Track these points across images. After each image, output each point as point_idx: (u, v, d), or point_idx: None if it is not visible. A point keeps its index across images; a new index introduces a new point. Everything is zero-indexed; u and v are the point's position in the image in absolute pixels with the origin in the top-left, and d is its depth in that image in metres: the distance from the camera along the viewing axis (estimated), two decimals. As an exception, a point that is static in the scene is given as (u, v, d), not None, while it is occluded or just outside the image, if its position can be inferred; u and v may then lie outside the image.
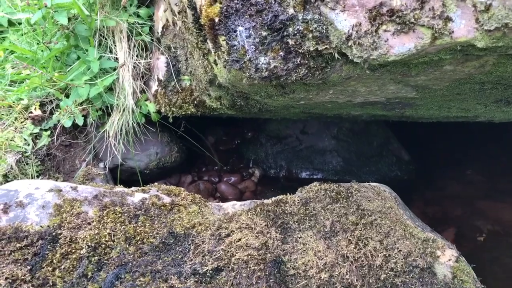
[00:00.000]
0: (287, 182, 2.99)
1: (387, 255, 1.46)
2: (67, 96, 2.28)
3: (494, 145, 3.19)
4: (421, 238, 1.52)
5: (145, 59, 2.39)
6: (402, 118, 2.22)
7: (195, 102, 2.14)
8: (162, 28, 2.26)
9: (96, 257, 1.44)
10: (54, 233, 1.46)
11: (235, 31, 1.19)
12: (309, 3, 1.12)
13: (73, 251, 1.44)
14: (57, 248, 1.43)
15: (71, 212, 1.52)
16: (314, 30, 1.15)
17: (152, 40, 2.37)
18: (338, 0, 1.08)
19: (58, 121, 2.26)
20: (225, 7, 1.19)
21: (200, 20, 1.28)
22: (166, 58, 2.26)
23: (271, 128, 3.16)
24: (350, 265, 1.44)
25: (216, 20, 1.21)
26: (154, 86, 2.34)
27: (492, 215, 2.60)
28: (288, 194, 1.68)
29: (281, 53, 1.18)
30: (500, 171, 2.93)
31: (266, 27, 1.16)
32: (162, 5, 2.24)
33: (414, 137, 3.16)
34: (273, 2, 1.15)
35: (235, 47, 1.20)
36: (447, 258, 1.49)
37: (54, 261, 1.41)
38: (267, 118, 2.67)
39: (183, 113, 2.23)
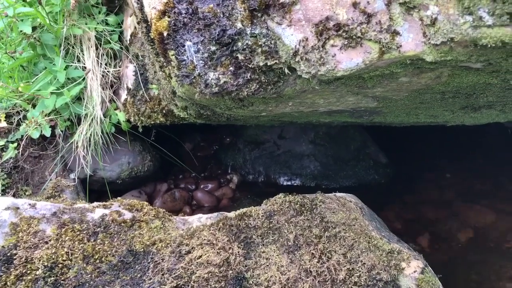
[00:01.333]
0: (266, 188, 2.96)
1: (350, 268, 1.43)
2: (34, 106, 2.23)
3: (471, 147, 3.18)
4: (385, 250, 1.50)
5: (114, 67, 2.34)
6: (373, 124, 2.19)
7: (164, 111, 2.11)
8: (131, 36, 2.21)
9: (52, 278, 1.40)
10: (9, 254, 1.42)
11: (183, 46, 1.16)
12: (256, 17, 1.09)
13: (29, 272, 1.40)
14: (11, 270, 1.39)
15: (28, 231, 1.48)
16: (263, 45, 1.12)
17: (121, 48, 2.32)
18: (284, 14, 1.05)
19: (26, 132, 2.21)
20: (173, 21, 1.15)
21: (150, 34, 1.24)
22: (135, 66, 2.22)
23: (249, 134, 3.13)
24: (313, 280, 1.41)
25: (165, 34, 1.18)
26: (124, 95, 2.30)
27: (470, 219, 2.59)
28: (253, 206, 1.64)
29: (231, 68, 1.15)
30: (477, 173, 2.92)
31: (214, 42, 1.13)
32: (130, 12, 2.20)
33: (392, 140, 3.14)
34: (221, 16, 1.12)
35: (184, 62, 1.17)
36: (412, 269, 1.47)
37: (8, 283, 1.37)
38: (243, 124, 2.64)
39: (152, 122, 2.19)
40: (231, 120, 1.97)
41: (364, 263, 1.44)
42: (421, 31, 0.98)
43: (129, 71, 2.26)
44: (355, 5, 1.01)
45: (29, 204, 1.57)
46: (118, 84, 2.34)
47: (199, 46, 1.14)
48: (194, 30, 1.13)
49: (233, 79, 1.16)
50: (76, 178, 2.31)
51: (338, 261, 1.45)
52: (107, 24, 2.32)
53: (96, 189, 2.46)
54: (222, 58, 1.14)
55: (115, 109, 2.33)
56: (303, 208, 1.58)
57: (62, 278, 1.40)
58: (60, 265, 1.42)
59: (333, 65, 1.06)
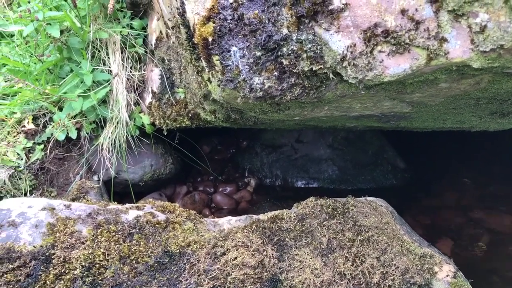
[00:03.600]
0: (283, 192, 2.97)
1: (384, 272, 1.45)
2: (61, 109, 2.26)
3: (488, 152, 3.19)
4: (418, 254, 1.51)
5: (139, 71, 2.37)
6: (397, 128, 2.21)
7: (190, 114, 2.13)
8: (156, 40, 2.24)
9: (90, 278, 1.42)
10: (47, 253, 1.44)
11: (229, 51, 1.18)
12: (303, 23, 1.11)
13: (67, 271, 1.42)
14: (50, 269, 1.41)
15: (64, 231, 1.50)
16: (308, 50, 1.14)
17: (146, 52, 2.35)
18: (332, 21, 1.07)
19: (52, 134, 2.24)
20: (218, 27, 1.18)
21: (193, 39, 1.26)
22: (160, 70, 2.24)
23: (266, 137, 3.15)
24: (347, 283, 1.42)
25: (210, 39, 1.20)
26: (148, 98, 2.33)
27: (489, 224, 2.59)
28: (285, 209, 1.66)
29: (276, 73, 1.17)
30: (495, 178, 2.93)
31: (260, 47, 1.15)
32: (156, 17, 2.22)
33: (410, 144, 3.16)
34: (267, 22, 1.14)
35: (229, 67, 1.19)
36: (444, 274, 1.48)
37: (48, 282, 1.39)
38: (267, 127, 2.66)
39: (178, 125, 2.21)
40: (257, 124, 1.99)
41: (398, 267, 1.46)
42: (469, 38, 1.00)
43: (154, 74, 2.28)
44: (403, 12, 1.03)
45: (64, 205, 1.60)
46: (143, 87, 2.37)
47: (244, 51, 1.16)
48: (240, 36, 1.16)
49: (277, 84, 1.18)
50: (101, 180, 2.34)
51: (372, 264, 1.46)
52: (132, 28, 2.35)
53: (118, 191, 2.49)
54: (267, 63, 1.16)
55: (139, 112, 2.36)
56: (335, 212, 1.59)
57: (100, 278, 1.42)
58: (97, 265, 1.44)
59: (380, 70, 1.09)
